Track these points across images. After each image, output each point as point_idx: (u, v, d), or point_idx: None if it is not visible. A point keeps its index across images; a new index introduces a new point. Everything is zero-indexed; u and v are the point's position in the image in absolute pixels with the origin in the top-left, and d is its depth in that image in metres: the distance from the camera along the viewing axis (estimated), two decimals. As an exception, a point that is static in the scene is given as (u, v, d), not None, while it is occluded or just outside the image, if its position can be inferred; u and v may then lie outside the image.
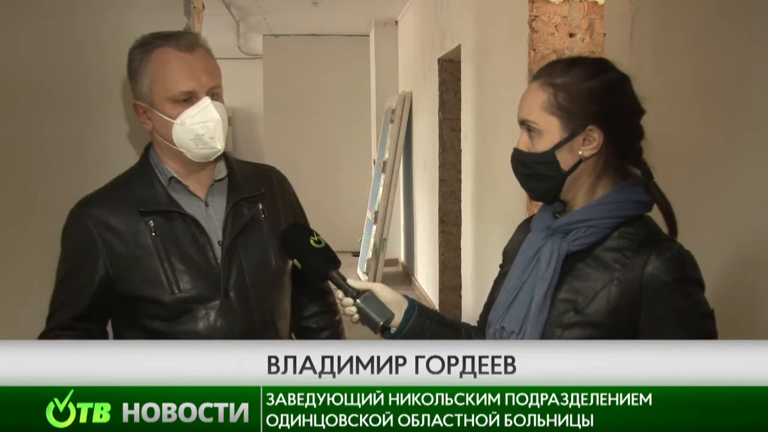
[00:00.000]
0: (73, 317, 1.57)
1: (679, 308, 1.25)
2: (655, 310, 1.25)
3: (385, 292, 1.45)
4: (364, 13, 7.89)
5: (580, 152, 1.31)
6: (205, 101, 1.54)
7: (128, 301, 1.57)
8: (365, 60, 8.82)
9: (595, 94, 1.30)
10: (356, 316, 1.43)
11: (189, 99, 1.54)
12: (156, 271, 1.55)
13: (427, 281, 6.94)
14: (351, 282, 1.45)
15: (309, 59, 9.00)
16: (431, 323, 1.47)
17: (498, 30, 4.08)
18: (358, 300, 1.42)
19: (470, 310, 4.95)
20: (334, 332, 1.85)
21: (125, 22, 2.35)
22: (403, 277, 8.16)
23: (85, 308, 1.57)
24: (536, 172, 1.34)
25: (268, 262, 1.65)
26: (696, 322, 1.25)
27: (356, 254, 8.11)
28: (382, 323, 1.41)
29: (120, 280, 1.55)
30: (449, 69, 5.87)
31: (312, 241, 1.50)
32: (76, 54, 2.29)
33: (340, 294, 1.45)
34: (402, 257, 8.56)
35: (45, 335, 1.59)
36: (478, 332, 1.51)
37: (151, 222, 1.56)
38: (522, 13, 3.51)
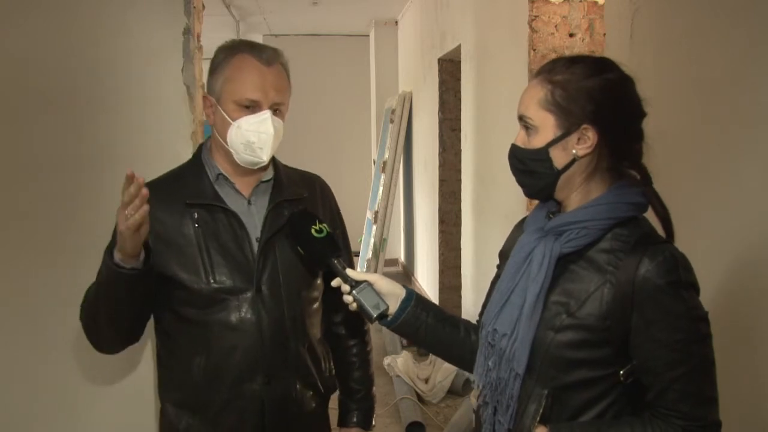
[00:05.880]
0: None
1: (672, 311, 1.22)
2: (647, 313, 1.23)
3: (382, 283, 1.47)
4: (364, 13, 7.89)
5: (573, 151, 1.29)
6: (266, 113, 1.62)
7: (165, 285, 1.60)
8: (365, 60, 8.82)
9: (593, 93, 1.28)
10: (354, 305, 1.46)
11: (252, 107, 1.62)
12: (194, 261, 1.61)
13: (427, 281, 6.94)
14: (350, 272, 1.48)
15: (309, 59, 8.98)
16: (428, 316, 1.48)
17: (498, 30, 4.08)
18: (354, 291, 1.46)
19: (470, 310, 4.95)
20: (362, 341, 1.88)
21: (125, 21, 2.35)
22: (403, 277, 8.16)
23: None
24: (530, 169, 1.33)
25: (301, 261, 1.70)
26: (689, 325, 1.23)
27: (356, 254, 8.10)
28: (375, 316, 1.45)
29: (158, 262, 1.58)
30: (449, 69, 5.87)
31: (313, 230, 1.55)
32: (75, 53, 2.29)
33: (337, 281, 1.49)
34: (402, 257, 8.57)
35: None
36: (477, 329, 1.51)
37: (196, 214, 1.63)
38: (522, 13, 3.51)
